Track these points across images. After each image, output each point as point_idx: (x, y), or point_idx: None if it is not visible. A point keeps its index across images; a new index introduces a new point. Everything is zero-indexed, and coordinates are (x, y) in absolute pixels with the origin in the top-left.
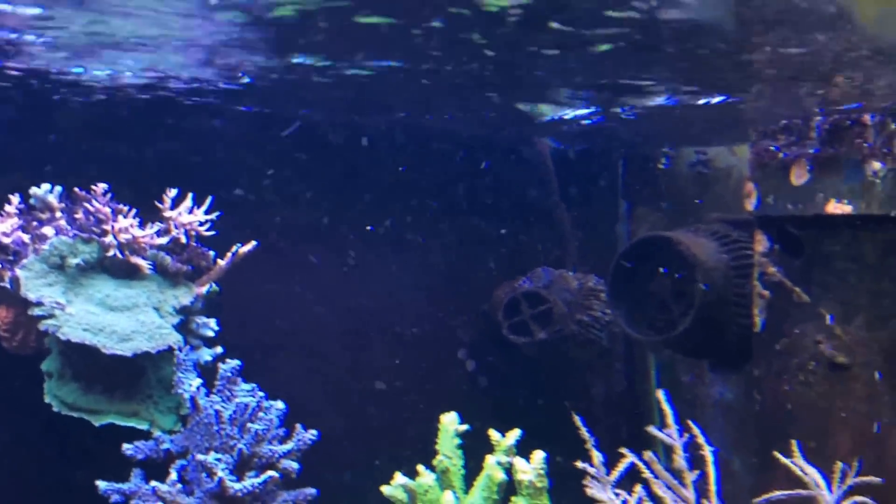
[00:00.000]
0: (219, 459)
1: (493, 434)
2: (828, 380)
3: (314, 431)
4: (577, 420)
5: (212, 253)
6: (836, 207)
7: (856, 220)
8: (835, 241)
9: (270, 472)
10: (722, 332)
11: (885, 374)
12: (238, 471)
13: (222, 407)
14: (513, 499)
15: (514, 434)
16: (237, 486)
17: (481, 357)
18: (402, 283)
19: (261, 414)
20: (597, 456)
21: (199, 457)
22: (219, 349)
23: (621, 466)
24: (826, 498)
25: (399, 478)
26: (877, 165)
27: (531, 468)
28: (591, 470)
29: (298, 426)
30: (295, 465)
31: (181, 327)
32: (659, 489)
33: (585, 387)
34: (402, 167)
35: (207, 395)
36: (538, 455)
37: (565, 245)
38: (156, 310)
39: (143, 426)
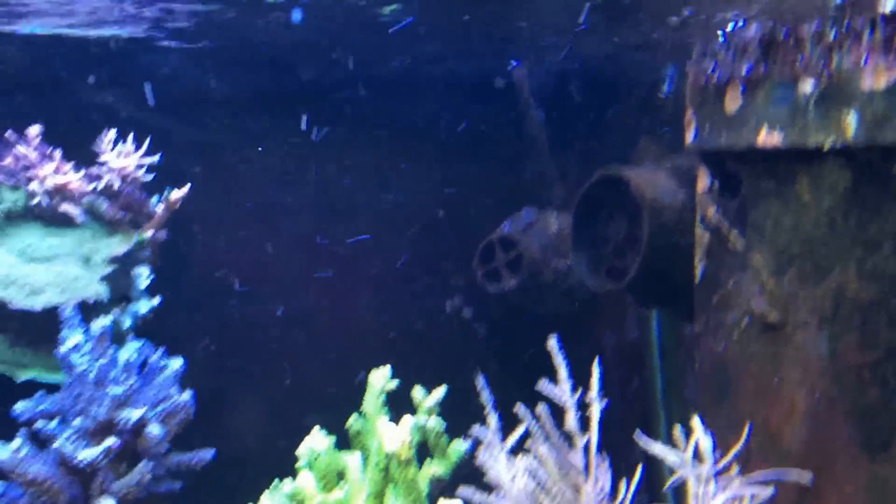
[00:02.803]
0: (64, 426)
1: (416, 393)
2: (761, 340)
3: (189, 393)
4: (481, 381)
5: (154, 198)
6: (766, 138)
7: (787, 153)
8: (769, 178)
9: (108, 443)
10: (674, 280)
11: (819, 337)
12: (98, 436)
13: (86, 369)
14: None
15: (438, 393)
16: (80, 455)
17: (479, 305)
18: (391, 226)
19: (124, 377)
20: (493, 420)
21: (39, 424)
22: (156, 301)
23: (518, 432)
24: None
25: (311, 437)
26: (809, 86)
27: (398, 438)
28: (486, 437)
29: (174, 390)
30: (157, 432)
31: (117, 278)
32: (544, 452)
33: (595, 336)
34: (382, 105)
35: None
36: (406, 423)
37: (548, 184)
38: (85, 259)
39: None
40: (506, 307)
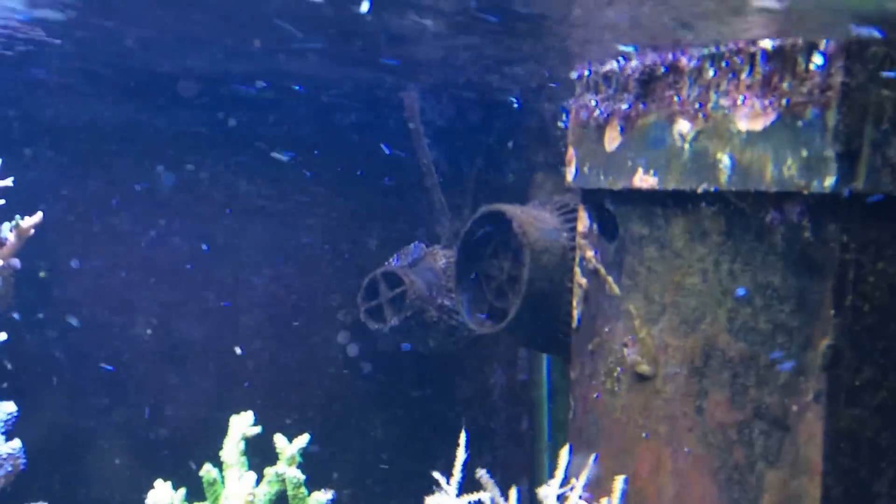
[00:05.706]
0: None
1: (279, 440)
2: (632, 391)
3: (17, 442)
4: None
5: (6, 225)
6: (642, 179)
7: (662, 196)
8: (644, 222)
9: None
10: (555, 324)
11: (687, 392)
12: None
13: None
14: None
15: (300, 441)
16: None
17: (366, 343)
18: (272, 259)
19: None
20: (456, 477)
21: None
22: (2, 336)
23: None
24: None
25: (154, 491)
26: (684, 126)
27: (238, 495)
28: (447, 487)
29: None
30: None
31: None
32: None
33: (484, 375)
34: (264, 132)
35: None
36: (248, 478)
37: (437, 217)
38: None
39: None
40: (393, 345)
